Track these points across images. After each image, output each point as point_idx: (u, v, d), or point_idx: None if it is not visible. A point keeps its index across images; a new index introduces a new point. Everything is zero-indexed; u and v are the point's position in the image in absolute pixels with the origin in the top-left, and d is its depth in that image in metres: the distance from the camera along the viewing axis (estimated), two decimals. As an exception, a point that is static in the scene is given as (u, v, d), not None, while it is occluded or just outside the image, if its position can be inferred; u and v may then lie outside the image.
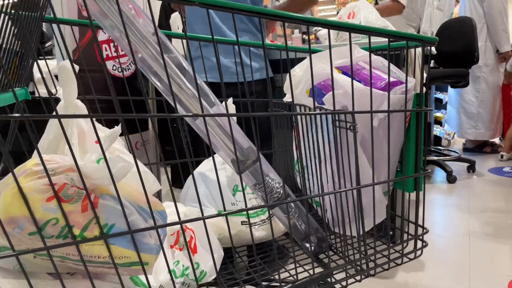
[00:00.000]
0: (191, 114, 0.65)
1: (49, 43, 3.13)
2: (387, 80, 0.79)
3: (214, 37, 1.11)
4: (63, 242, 0.56)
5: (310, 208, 1.02)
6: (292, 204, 0.84)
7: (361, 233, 0.80)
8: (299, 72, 0.88)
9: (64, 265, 0.60)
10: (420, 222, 0.82)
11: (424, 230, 0.83)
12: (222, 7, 0.58)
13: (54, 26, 1.12)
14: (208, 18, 0.55)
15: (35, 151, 0.82)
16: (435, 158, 3.06)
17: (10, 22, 0.68)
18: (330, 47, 0.68)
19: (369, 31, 0.68)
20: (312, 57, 0.83)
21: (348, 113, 0.73)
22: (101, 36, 1.37)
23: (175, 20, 1.67)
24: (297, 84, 0.87)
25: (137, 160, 0.95)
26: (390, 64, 0.81)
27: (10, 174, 0.58)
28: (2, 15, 0.64)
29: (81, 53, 1.25)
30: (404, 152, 0.84)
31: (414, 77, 0.93)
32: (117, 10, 0.59)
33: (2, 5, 0.63)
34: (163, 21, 2.56)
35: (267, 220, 0.97)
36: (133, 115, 0.59)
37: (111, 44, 1.43)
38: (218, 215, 0.66)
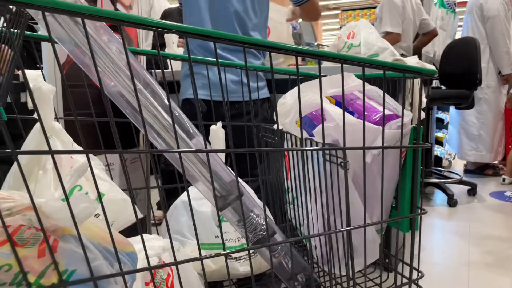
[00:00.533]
0: (166, 149, 0.59)
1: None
2: (382, 113, 0.74)
3: (218, 60, 1.07)
4: (16, 290, 0.51)
5: (298, 243, 0.96)
6: (276, 239, 0.78)
7: (351, 274, 0.74)
8: (289, 100, 0.83)
9: (19, 313, 0.54)
10: (415, 265, 0.76)
11: (420, 274, 0.77)
12: (200, 35, 0.53)
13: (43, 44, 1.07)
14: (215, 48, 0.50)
15: (3, 187, 0.77)
16: (436, 180, 3.00)
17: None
18: (320, 77, 0.63)
19: (363, 63, 0.64)
20: (303, 85, 0.79)
21: (339, 149, 0.68)
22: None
23: (170, 35, 1.63)
24: (287, 112, 0.82)
25: (116, 187, 0.90)
26: (386, 95, 0.76)
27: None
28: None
29: (69, 68, 1.21)
30: (400, 189, 0.79)
31: (411, 105, 0.88)
32: (84, 35, 0.54)
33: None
34: (159, 37, 2.52)
35: (253, 254, 0.91)
36: (125, 151, 0.54)
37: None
38: (195, 259, 0.60)
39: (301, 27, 2.57)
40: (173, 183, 1.08)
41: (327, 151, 0.71)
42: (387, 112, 0.74)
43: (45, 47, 1.23)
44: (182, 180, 1.25)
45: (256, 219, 0.75)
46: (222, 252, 0.61)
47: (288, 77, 1.06)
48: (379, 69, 0.66)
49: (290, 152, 0.88)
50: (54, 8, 0.47)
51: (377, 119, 0.73)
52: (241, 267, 0.90)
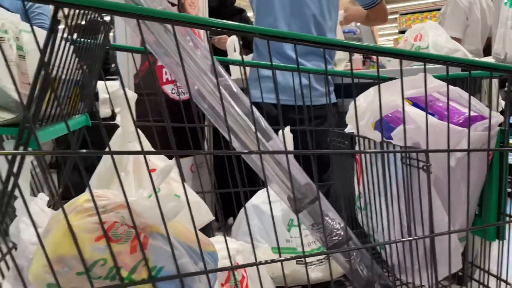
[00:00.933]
0: (246, 151, 0.60)
1: (114, 65, 3.28)
2: (466, 114, 0.70)
3: (273, 63, 1.07)
4: (111, 284, 0.53)
5: (371, 250, 0.93)
6: (352, 244, 0.76)
7: (434, 283, 0.71)
8: (363, 102, 0.81)
9: (111, 307, 0.57)
10: (503, 276, 0.71)
11: (509, 287, 0.72)
12: (283, 38, 0.53)
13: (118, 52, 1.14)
14: (268, 46, 0.51)
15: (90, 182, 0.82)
16: None
17: (70, 52, 0.68)
18: (401, 76, 0.62)
19: (448, 61, 0.61)
20: (372, 89, 0.77)
21: (421, 151, 0.65)
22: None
23: (232, 43, 1.66)
24: (362, 115, 0.80)
25: (190, 189, 0.93)
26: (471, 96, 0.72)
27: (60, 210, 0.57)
28: (63, 43, 0.64)
29: (141, 78, 1.27)
30: (487, 195, 0.74)
31: (489, 107, 0.82)
32: (173, 41, 0.56)
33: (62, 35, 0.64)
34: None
35: (324, 261, 0.90)
36: (189, 152, 0.56)
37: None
38: (273, 261, 0.60)
39: (360, 31, 2.52)
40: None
41: (407, 154, 0.68)
42: (472, 113, 0.70)
43: (120, 56, 1.30)
44: (251, 183, 1.26)
45: (331, 223, 0.73)
46: (302, 255, 0.60)
47: (358, 80, 1.04)
48: (464, 67, 0.63)
49: (363, 156, 0.86)
50: (149, 16, 0.49)
51: (461, 121, 0.69)
52: (312, 273, 0.89)
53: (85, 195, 0.55)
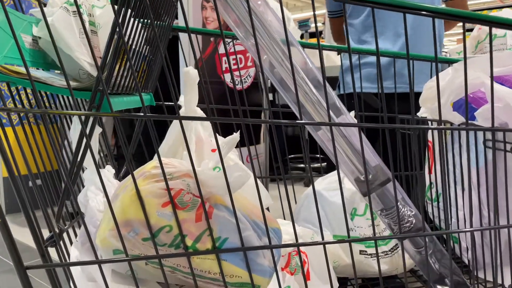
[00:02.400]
0: (316, 122, 0.57)
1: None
2: None
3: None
4: (175, 252, 0.52)
5: (446, 244, 0.86)
6: (426, 238, 0.71)
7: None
8: (441, 82, 0.75)
9: (174, 276, 0.57)
10: None
11: None
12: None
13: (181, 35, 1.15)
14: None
15: (155, 155, 0.83)
16: None
17: (141, 27, 0.69)
18: (491, 49, 0.56)
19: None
20: (458, 65, 0.71)
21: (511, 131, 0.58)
22: (223, 49, 1.40)
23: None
24: (436, 96, 0.74)
25: (250, 173, 0.91)
26: None
27: (129, 177, 0.57)
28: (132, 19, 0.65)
29: (203, 63, 1.28)
30: None
31: None
32: (246, 9, 0.55)
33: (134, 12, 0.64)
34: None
35: (389, 253, 0.84)
36: (253, 120, 0.54)
37: (231, 57, 1.45)
38: (341, 241, 0.57)
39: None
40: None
41: (493, 136, 0.62)
42: None
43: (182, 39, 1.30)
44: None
45: (402, 209, 0.68)
46: (372, 237, 0.56)
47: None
48: None
49: (436, 144, 0.80)
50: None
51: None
52: (377, 265, 0.84)
53: (152, 162, 0.55)
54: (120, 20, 0.51)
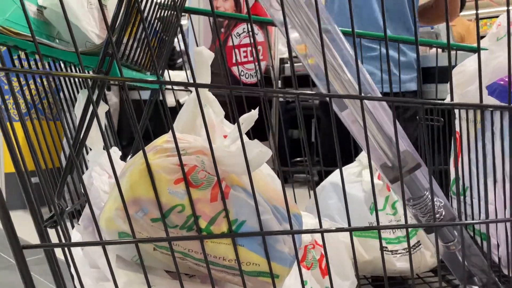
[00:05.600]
0: (345, 94, 0.52)
1: (179, 60, 3.34)
2: None
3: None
4: (187, 234, 0.47)
5: (474, 242, 0.81)
6: (455, 231, 0.65)
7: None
8: (470, 66, 0.70)
9: (184, 264, 0.51)
10: None
11: None
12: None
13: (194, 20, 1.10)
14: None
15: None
16: None
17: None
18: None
19: None
20: (492, 45, 0.66)
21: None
22: (231, 41, 1.36)
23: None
24: (468, 81, 0.69)
25: (265, 164, 0.86)
26: None
27: (138, 153, 0.52)
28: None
29: (220, 44, 1.24)
30: None
31: None
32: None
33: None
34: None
35: (413, 249, 0.79)
36: (274, 90, 0.49)
37: (241, 50, 1.41)
38: (369, 227, 0.51)
39: (438, 26, 2.35)
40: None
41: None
42: None
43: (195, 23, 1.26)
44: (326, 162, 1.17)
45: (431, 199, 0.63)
46: (379, 226, 0.51)
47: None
48: None
49: (464, 133, 0.75)
50: None
51: None
52: (398, 262, 0.79)
53: (164, 136, 0.50)
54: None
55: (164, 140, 0.49)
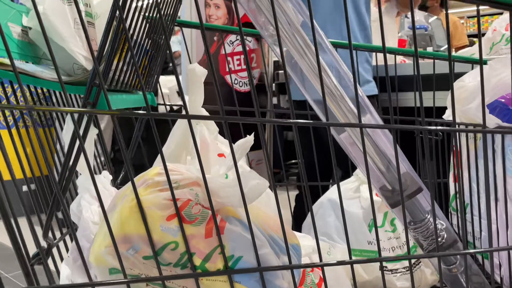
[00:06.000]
0: (344, 123, 0.50)
1: (176, 62, 3.31)
2: None
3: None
4: (181, 272, 0.45)
5: (475, 260, 0.80)
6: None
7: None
8: (470, 82, 0.69)
9: (179, 300, 0.49)
10: None
11: None
12: None
13: (185, 32, 1.08)
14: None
15: (156, 160, 0.76)
16: None
17: (142, 17, 0.62)
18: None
19: None
20: (494, 62, 0.64)
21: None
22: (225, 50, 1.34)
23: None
24: (469, 97, 0.68)
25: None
26: None
27: (128, 184, 0.50)
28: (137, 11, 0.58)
29: (209, 58, 1.21)
30: None
31: None
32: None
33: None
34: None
35: (413, 267, 0.77)
36: (274, 121, 0.47)
37: (235, 58, 1.39)
38: (371, 260, 0.50)
39: (432, 28, 2.34)
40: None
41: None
42: None
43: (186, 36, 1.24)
44: (325, 177, 1.15)
45: (433, 222, 0.61)
46: (381, 258, 0.49)
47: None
48: None
49: (464, 149, 0.73)
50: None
51: None
52: (398, 282, 0.77)
53: (155, 168, 0.48)
54: (121, 2, 0.44)
55: (155, 173, 0.47)
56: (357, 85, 0.47)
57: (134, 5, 0.52)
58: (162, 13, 0.73)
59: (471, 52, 1.65)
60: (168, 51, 0.57)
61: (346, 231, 0.49)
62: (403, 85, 1.22)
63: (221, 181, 0.47)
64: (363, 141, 0.47)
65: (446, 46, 2.64)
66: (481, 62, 0.51)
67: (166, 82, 2.20)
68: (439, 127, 0.48)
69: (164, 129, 0.83)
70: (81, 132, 0.43)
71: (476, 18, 5.55)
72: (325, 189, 1.47)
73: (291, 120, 0.44)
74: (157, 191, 0.45)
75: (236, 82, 1.41)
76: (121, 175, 0.77)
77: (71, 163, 0.46)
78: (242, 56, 1.42)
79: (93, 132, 0.55)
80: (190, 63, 1.08)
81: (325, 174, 1.40)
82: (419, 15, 2.45)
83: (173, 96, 2.32)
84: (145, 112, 0.42)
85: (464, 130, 0.50)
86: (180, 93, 0.46)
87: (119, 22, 0.43)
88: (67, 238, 0.62)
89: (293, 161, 3.22)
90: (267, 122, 0.45)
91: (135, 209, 0.43)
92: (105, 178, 0.63)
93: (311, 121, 0.42)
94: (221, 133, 0.90)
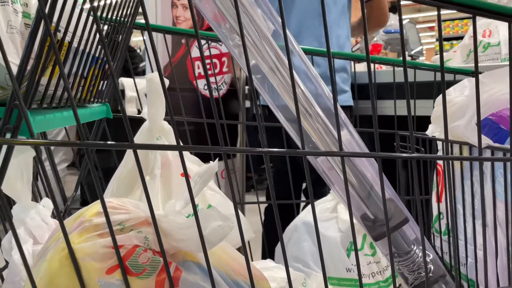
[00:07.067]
0: (322, 151, 0.43)
1: (142, 64, 3.17)
2: None
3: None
4: (125, 335, 0.37)
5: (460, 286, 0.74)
6: (443, 285, 0.58)
7: None
8: (457, 97, 0.63)
9: None
10: None
11: None
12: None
13: (146, 36, 0.99)
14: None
15: (108, 187, 0.67)
16: None
17: (93, 25, 0.53)
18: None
19: None
20: (484, 76, 0.59)
21: None
22: (194, 52, 1.25)
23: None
24: (455, 113, 0.62)
25: (228, 201, 0.77)
26: None
27: (69, 219, 0.41)
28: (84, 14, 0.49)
29: (172, 69, 1.12)
30: None
31: None
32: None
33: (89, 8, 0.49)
34: None
35: (396, 298, 0.72)
36: (244, 150, 0.39)
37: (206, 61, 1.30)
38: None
39: (406, 31, 2.32)
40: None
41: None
42: None
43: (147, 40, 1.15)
44: (298, 194, 1.09)
45: (419, 254, 0.55)
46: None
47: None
48: None
49: (449, 168, 0.68)
50: None
51: None
52: (379, 312, 0.71)
53: (96, 205, 0.40)
54: (49, 5, 0.36)
55: (94, 213, 0.38)
56: (337, 104, 0.40)
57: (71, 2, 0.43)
58: (119, 13, 0.65)
59: (447, 57, 1.62)
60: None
61: (322, 260, 0.42)
62: (380, 93, 1.18)
63: (177, 221, 0.39)
64: (345, 172, 0.40)
65: (418, 48, 2.64)
66: (476, 74, 0.46)
67: (134, 85, 2.09)
68: (430, 155, 0.42)
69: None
70: (-3, 166, 0.35)
71: (447, 22, 5.63)
72: (298, 196, 1.40)
73: (264, 149, 0.37)
74: (95, 236, 0.37)
75: (206, 87, 1.33)
76: (67, 202, 0.67)
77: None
78: (214, 60, 1.34)
79: (27, 156, 0.46)
80: (151, 68, 0.99)
81: (298, 182, 1.33)
82: (394, 19, 2.44)
83: (143, 99, 2.19)
84: (81, 141, 0.34)
85: (459, 158, 0.44)
86: (120, 104, 0.38)
87: (45, 30, 0.35)
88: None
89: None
90: (236, 152, 0.37)
91: (67, 261, 0.35)
92: (44, 207, 0.53)
93: (285, 150, 0.35)
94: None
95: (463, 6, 0.42)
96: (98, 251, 0.36)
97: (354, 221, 0.70)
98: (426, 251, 0.56)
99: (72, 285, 0.36)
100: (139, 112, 2.16)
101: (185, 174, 0.38)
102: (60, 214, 0.35)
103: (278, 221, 0.40)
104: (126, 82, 1.77)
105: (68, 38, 0.44)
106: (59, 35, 0.43)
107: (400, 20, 0.45)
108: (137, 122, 0.87)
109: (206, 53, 1.32)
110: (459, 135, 0.61)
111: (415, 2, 0.42)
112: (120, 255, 0.36)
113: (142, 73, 3.02)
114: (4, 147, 0.36)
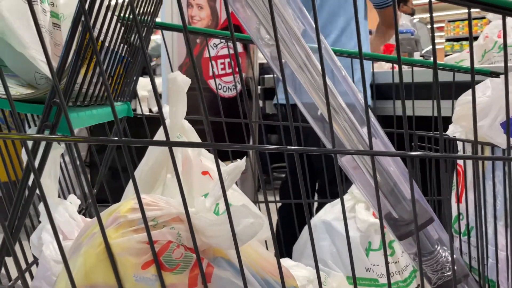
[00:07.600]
0: (352, 150, 0.44)
1: (153, 62, 3.19)
2: None
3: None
4: (159, 330, 0.38)
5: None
6: (465, 286, 0.58)
7: None
8: (480, 97, 0.63)
9: None
10: None
11: None
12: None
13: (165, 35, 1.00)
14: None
15: (128, 187, 0.67)
16: None
17: (119, 24, 0.54)
18: None
19: None
20: (498, 80, 0.58)
21: None
22: (208, 52, 1.26)
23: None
24: (478, 113, 0.62)
25: (248, 200, 0.77)
26: None
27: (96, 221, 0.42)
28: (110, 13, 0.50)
29: (189, 68, 1.13)
30: None
31: None
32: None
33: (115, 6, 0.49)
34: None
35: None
36: (274, 148, 0.40)
37: (218, 62, 1.31)
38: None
39: (417, 32, 2.31)
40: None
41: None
42: None
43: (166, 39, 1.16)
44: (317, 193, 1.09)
45: (443, 254, 0.55)
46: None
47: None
48: None
49: (469, 168, 0.68)
50: None
51: None
52: (398, 312, 0.71)
53: (129, 202, 0.40)
54: (87, 6, 0.36)
55: (128, 209, 0.39)
56: (368, 106, 0.41)
57: (106, 3, 0.44)
58: (140, 11, 0.65)
59: (460, 58, 1.62)
60: (144, 55, 0.49)
61: (352, 259, 0.42)
62: (399, 93, 1.17)
63: (208, 218, 0.40)
64: (375, 171, 0.41)
65: (429, 48, 2.62)
66: (506, 73, 0.46)
67: (146, 84, 2.10)
68: (459, 155, 0.42)
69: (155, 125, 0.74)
70: (36, 162, 0.35)
71: (457, 22, 5.59)
72: (312, 196, 1.41)
73: (292, 148, 0.37)
74: (130, 232, 0.37)
75: (220, 87, 1.33)
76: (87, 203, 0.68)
77: (25, 195, 0.38)
78: (227, 60, 1.35)
79: (56, 152, 0.47)
80: (171, 67, 1.00)
81: (312, 181, 1.34)
82: (405, 19, 2.43)
83: (152, 100, 2.21)
84: (117, 138, 0.35)
85: (486, 158, 0.44)
86: (157, 102, 0.38)
87: (84, 29, 0.35)
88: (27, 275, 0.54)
89: (276, 164, 3.18)
90: (267, 150, 0.38)
91: (103, 256, 0.36)
92: (72, 203, 0.54)
93: (315, 148, 0.35)
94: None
95: (493, 7, 0.42)
96: (134, 246, 0.36)
97: (373, 220, 0.70)
98: (448, 251, 0.56)
99: (107, 280, 0.36)
100: (150, 111, 2.17)
101: (218, 171, 0.38)
102: (97, 210, 0.36)
103: (308, 216, 0.40)
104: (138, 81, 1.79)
105: (101, 38, 0.45)
106: (94, 34, 0.43)
107: (397, 22, 0.45)
108: (148, 121, 0.88)
109: (221, 52, 1.33)
110: (481, 135, 0.61)
111: (445, 1, 0.42)
112: (155, 250, 0.36)
113: (153, 72, 3.04)
114: (43, 144, 0.36)
